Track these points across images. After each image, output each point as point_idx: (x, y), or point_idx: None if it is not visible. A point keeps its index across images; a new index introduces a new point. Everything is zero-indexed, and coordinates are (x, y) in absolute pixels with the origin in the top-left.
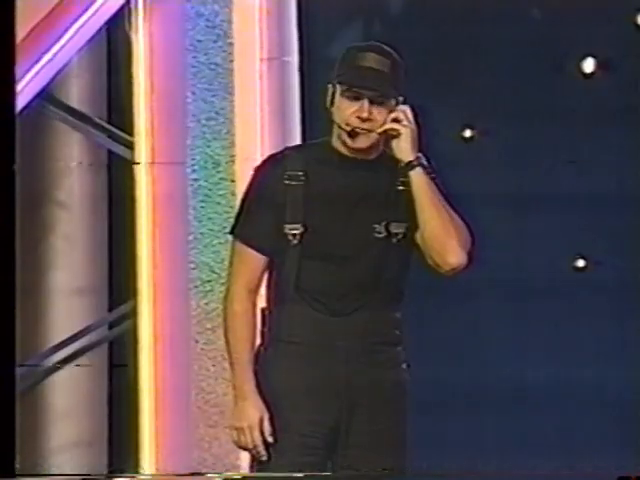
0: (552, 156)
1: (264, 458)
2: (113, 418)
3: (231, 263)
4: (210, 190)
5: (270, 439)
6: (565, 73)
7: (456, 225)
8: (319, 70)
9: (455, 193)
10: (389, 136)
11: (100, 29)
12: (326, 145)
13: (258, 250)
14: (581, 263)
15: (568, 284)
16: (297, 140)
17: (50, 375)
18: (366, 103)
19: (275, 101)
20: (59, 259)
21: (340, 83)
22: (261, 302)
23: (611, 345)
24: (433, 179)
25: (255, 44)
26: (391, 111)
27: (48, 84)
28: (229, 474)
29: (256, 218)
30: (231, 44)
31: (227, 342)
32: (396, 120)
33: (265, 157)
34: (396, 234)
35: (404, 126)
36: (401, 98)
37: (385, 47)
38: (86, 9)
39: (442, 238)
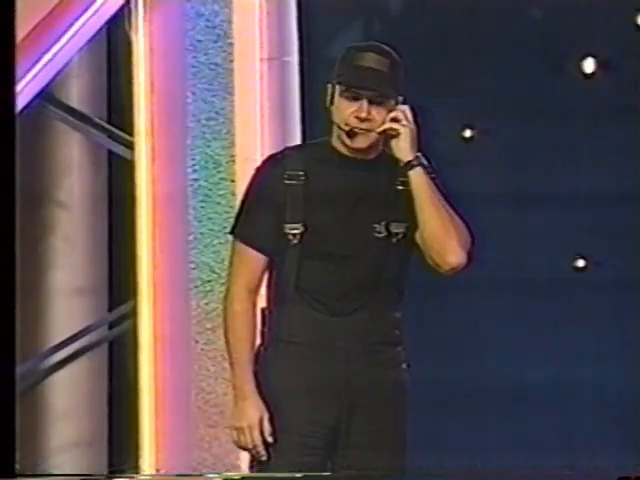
0: (552, 156)
1: (264, 458)
2: (113, 418)
3: (231, 263)
4: (210, 190)
5: (270, 439)
6: (565, 73)
7: (456, 225)
8: (319, 70)
9: (455, 193)
10: (388, 136)
11: (100, 29)
12: (326, 145)
13: (258, 250)
14: (581, 263)
15: (568, 284)
16: (297, 140)
17: (50, 375)
18: (365, 103)
19: (275, 101)
20: (59, 259)
21: (339, 83)
22: (261, 302)
23: (611, 345)
24: (433, 179)
25: (255, 44)
26: (390, 111)
27: (48, 84)
28: (229, 474)
29: (256, 218)
30: (231, 44)
31: (227, 342)
32: (395, 120)
33: (265, 157)
34: (396, 234)
35: (403, 126)
36: (400, 98)
37: (384, 47)
38: (86, 9)
39: (442, 238)
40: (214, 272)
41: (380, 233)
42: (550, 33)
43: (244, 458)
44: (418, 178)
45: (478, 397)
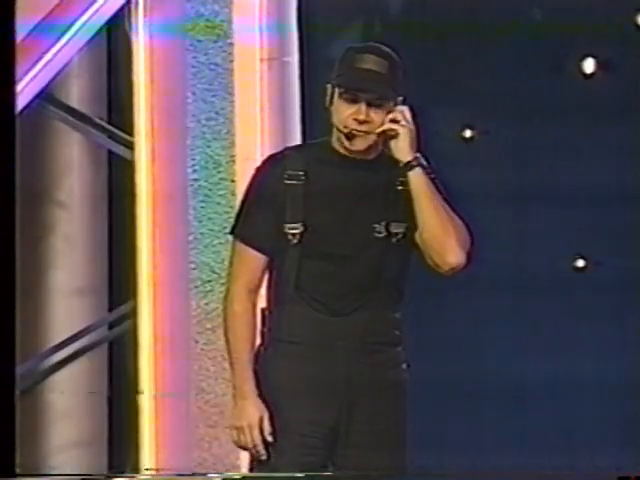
0: (552, 156)
1: (264, 458)
2: (113, 418)
3: (231, 263)
4: (210, 190)
5: (270, 439)
6: (565, 73)
7: (455, 225)
8: (319, 70)
9: (455, 193)
10: (387, 136)
11: (100, 29)
12: (326, 145)
13: (258, 250)
14: (581, 263)
15: (568, 284)
16: (297, 140)
17: (50, 375)
18: (363, 106)
19: (275, 101)
20: (59, 259)
21: (338, 85)
22: (261, 302)
23: (611, 345)
24: (432, 179)
25: (255, 44)
26: (389, 112)
27: (48, 84)
28: (229, 474)
29: (256, 218)
30: (231, 44)
31: (227, 342)
32: (394, 120)
33: (265, 157)
34: (396, 234)
35: (402, 126)
36: (400, 99)
37: (384, 48)
38: (86, 9)
39: (441, 238)
40: (214, 272)
41: (380, 233)
42: (550, 33)
43: (244, 458)
44: (417, 178)
45: (478, 397)
